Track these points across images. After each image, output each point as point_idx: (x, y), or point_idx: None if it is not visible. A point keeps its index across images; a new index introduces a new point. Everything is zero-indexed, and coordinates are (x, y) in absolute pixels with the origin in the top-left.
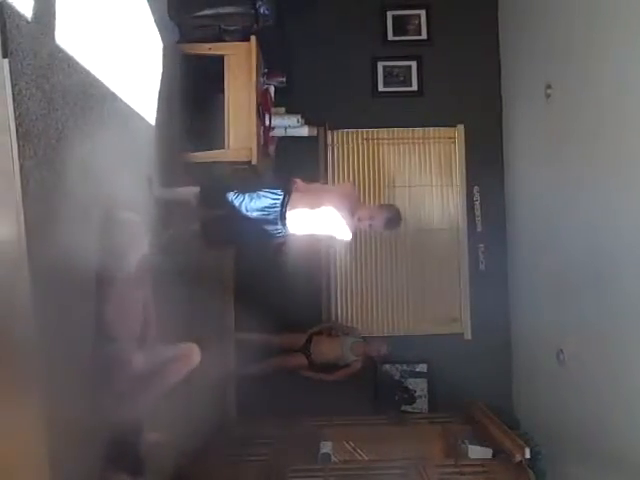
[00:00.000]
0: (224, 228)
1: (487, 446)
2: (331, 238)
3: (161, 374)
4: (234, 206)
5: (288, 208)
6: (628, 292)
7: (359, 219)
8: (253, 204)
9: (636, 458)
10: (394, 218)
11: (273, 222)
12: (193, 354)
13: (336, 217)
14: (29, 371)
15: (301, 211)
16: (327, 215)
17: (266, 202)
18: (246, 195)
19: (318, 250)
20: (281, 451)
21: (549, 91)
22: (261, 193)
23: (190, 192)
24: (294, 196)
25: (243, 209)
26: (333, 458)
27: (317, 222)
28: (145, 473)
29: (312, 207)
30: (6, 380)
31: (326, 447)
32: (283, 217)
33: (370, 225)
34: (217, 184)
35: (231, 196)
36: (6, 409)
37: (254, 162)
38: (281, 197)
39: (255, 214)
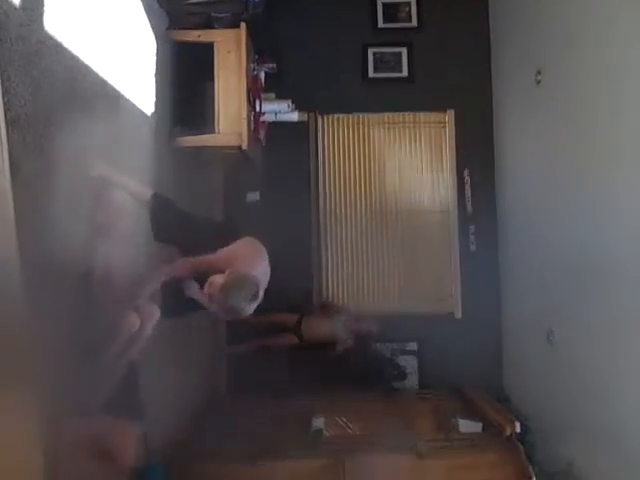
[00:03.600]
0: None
1: (477, 421)
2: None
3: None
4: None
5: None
6: (618, 273)
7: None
8: None
9: (621, 432)
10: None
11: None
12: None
13: None
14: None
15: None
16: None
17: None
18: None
19: None
20: (273, 425)
21: (539, 77)
22: None
23: (139, 192)
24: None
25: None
26: (325, 433)
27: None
28: (144, 417)
29: None
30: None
31: (318, 422)
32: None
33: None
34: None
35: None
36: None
37: (244, 147)
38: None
39: None
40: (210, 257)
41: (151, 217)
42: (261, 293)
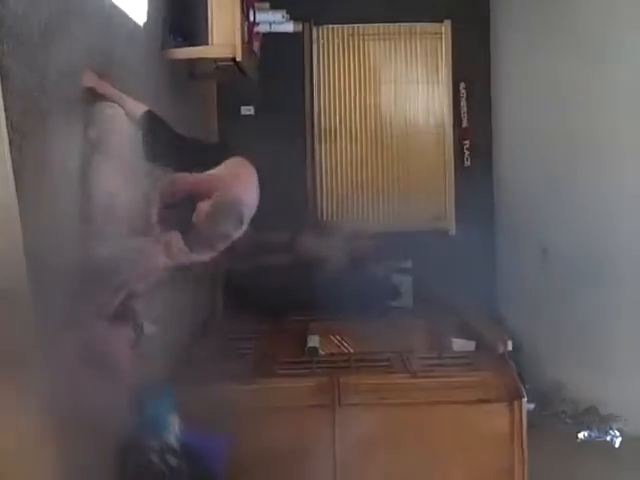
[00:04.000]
0: None
1: (470, 339)
2: None
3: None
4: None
5: None
6: (620, 189)
7: None
8: None
9: (608, 352)
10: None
11: None
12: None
13: None
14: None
15: None
16: None
17: None
18: None
19: None
20: (268, 345)
21: None
22: None
23: (131, 105)
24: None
25: None
26: (320, 351)
27: None
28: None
29: None
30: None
31: (313, 341)
32: None
33: None
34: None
35: None
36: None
37: (238, 58)
38: None
39: None
40: (200, 177)
41: (142, 135)
42: (247, 219)
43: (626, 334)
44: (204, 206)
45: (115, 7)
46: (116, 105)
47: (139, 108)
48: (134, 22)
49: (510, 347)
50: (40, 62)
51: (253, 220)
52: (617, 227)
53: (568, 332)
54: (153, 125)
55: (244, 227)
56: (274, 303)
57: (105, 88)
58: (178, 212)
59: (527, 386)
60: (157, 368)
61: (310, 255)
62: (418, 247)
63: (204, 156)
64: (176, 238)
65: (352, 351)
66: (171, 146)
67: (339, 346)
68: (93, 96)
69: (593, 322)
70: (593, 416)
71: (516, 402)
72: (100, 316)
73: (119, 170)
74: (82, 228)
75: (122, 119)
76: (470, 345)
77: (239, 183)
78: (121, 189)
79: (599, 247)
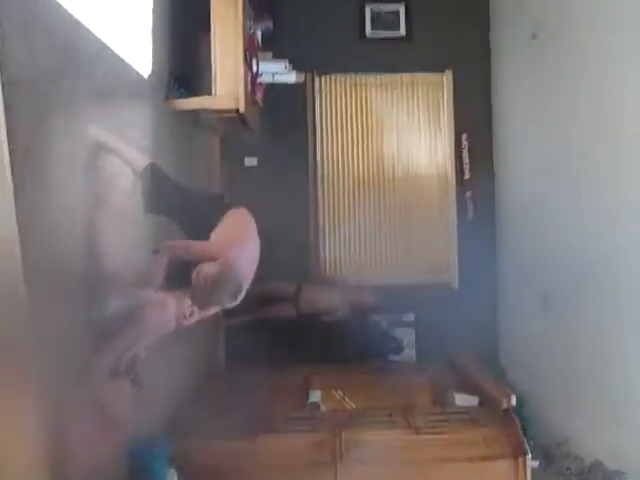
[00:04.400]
0: None
1: (473, 394)
2: None
3: (136, 318)
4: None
5: None
6: (616, 241)
7: None
8: None
9: (617, 403)
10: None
11: None
12: (170, 302)
13: None
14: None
15: None
16: None
17: None
18: None
19: None
20: (270, 399)
21: (536, 32)
22: None
23: (137, 159)
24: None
25: None
26: (322, 407)
27: None
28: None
29: None
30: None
31: (315, 396)
32: None
33: None
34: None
35: None
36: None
37: (242, 110)
38: None
39: None
40: (204, 244)
41: (144, 188)
42: (243, 292)
43: (633, 385)
44: (205, 268)
45: (119, 59)
46: (120, 161)
47: (142, 160)
48: (138, 73)
49: (514, 402)
50: (43, 113)
51: (256, 271)
52: (622, 273)
53: (573, 385)
54: (155, 178)
55: (237, 301)
56: (276, 355)
57: (108, 140)
58: (180, 270)
59: (531, 442)
60: (155, 420)
61: (312, 307)
62: (421, 300)
63: (205, 208)
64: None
65: (354, 406)
66: (173, 198)
67: (341, 401)
68: (97, 149)
69: (598, 373)
70: (599, 472)
71: (520, 459)
72: (103, 370)
73: (123, 226)
74: (88, 286)
75: (125, 175)
76: (473, 400)
77: (241, 244)
78: (124, 244)
79: (603, 295)
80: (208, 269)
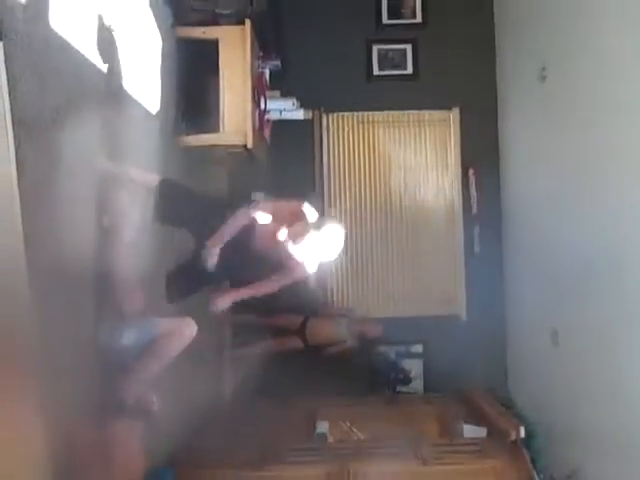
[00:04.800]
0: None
1: (482, 425)
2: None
3: (153, 349)
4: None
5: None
6: (623, 274)
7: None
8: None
9: (628, 437)
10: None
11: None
12: (186, 327)
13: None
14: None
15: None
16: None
17: None
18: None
19: None
20: (277, 431)
21: (544, 73)
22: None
23: (146, 178)
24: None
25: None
26: (329, 438)
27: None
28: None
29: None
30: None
31: (322, 427)
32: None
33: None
34: (181, 190)
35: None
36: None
37: (250, 146)
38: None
39: None
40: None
41: (157, 201)
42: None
43: None
44: (299, 228)
45: (127, 95)
46: (130, 179)
47: (154, 178)
48: (147, 110)
49: (523, 434)
50: (54, 149)
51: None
52: (633, 308)
53: (582, 417)
54: (171, 189)
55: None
56: (282, 386)
57: (118, 168)
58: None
59: (541, 475)
60: (162, 451)
61: (319, 339)
62: (429, 331)
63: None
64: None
65: (362, 437)
66: (192, 205)
67: (348, 432)
68: (106, 177)
69: (608, 407)
70: None
71: None
72: (117, 408)
73: (132, 253)
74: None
75: (133, 204)
76: (482, 431)
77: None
78: (136, 274)
79: (614, 330)
80: (301, 226)
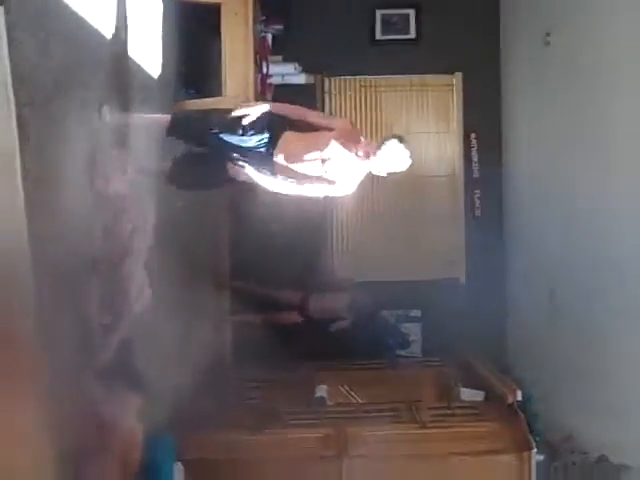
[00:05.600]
0: (197, 168)
1: (479, 389)
2: (332, 190)
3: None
4: (208, 141)
5: (276, 151)
6: (625, 235)
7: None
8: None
9: (622, 398)
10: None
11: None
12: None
13: (338, 160)
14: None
15: (293, 154)
16: (328, 158)
17: (248, 144)
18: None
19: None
20: (277, 394)
21: (548, 38)
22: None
23: (157, 120)
24: (285, 136)
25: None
26: (328, 401)
27: (314, 168)
28: (144, 388)
29: (308, 149)
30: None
31: (321, 390)
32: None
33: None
34: (193, 115)
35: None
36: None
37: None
38: (266, 137)
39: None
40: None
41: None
42: None
43: (638, 381)
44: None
45: (129, 59)
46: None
47: (165, 116)
48: (148, 74)
49: (519, 397)
50: (55, 112)
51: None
52: (629, 270)
53: (579, 380)
54: (183, 118)
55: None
56: (282, 351)
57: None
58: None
59: (537, 437)
60: (161, 414)
61: (320, 314)
62: (428, 295)
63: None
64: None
65: (360, 401)
66: (205, 122)
67: (347, 396)
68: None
69: (604, 369)
70: (605, 467)
71: (525, 453)
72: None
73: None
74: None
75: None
76: (479, 395)
77: None
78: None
79: (610, 291)
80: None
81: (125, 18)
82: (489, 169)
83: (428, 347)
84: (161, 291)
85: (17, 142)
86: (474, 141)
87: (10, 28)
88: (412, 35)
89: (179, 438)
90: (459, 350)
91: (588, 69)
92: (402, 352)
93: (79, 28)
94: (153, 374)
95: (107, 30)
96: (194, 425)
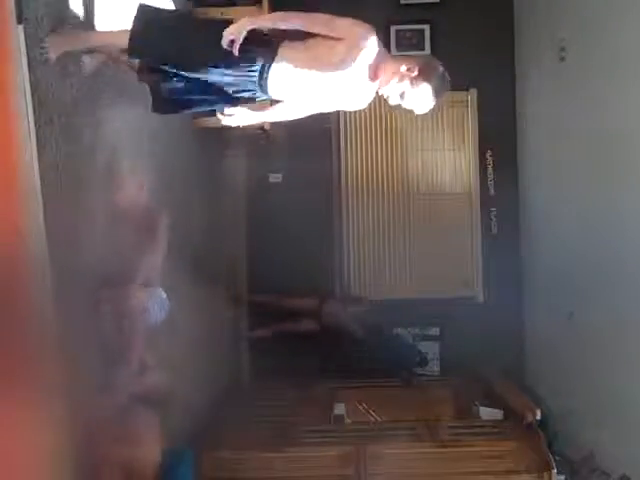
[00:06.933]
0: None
1: (498, 407)
2: (340, 103)
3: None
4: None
5: (276, 60)
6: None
7: (385, 78)
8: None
9: None
10: (442, 76)
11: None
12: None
13: (349, 73)
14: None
15: (294, 66)
16: (335, 71)
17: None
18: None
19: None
20: (295, 412)
21: (563, 54)
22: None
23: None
24: (285, 45)
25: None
26: (346, 419)
27: (318, 82)
28: (164, 405)
29: (313, 59)
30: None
31: (339, 408)
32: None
33: (402, 93)
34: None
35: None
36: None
37: (267, 127)
38: (259, 66)
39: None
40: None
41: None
42: None
43: None
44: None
45: None
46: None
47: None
48: None
49: (539, 416)
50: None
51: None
52: None
53: (599, 399)
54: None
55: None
56: (301, 368)
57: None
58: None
59: (557, 457)
60: (181, 432)
61: (337, 322)
62: (446, 314)
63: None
64: None
65: (378, 419)
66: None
67: (366, 414)
68: None
69: (624, 388)
70: None
71: (546, 473)
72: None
73: None
74: None
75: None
76: (498, 414)
77: None
78: None
79: (631, 310)
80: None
81: None
82: (505, 186)
83: (446, 365)
84: (177, 307)
85: (37, 161)
86: (490, 158)
87: (30, 46)
88: (427, 51)
89: (198, 456)
90: (477, 369)
91: (603, 83)
92: (420, 370)
93: None
94: (171, 392)
95: None
96: (212, 443)
